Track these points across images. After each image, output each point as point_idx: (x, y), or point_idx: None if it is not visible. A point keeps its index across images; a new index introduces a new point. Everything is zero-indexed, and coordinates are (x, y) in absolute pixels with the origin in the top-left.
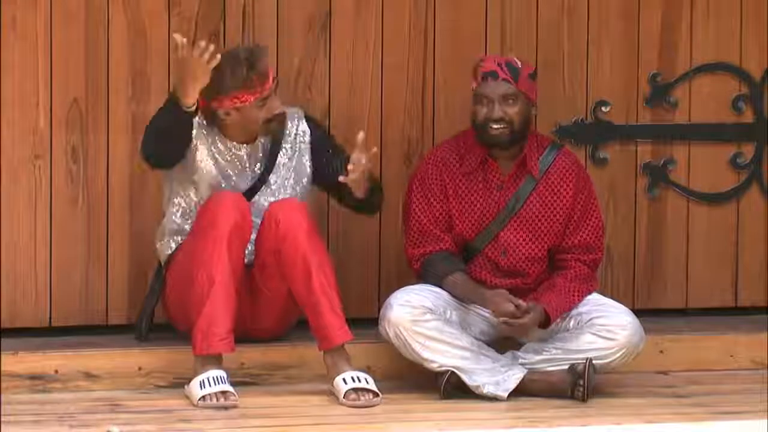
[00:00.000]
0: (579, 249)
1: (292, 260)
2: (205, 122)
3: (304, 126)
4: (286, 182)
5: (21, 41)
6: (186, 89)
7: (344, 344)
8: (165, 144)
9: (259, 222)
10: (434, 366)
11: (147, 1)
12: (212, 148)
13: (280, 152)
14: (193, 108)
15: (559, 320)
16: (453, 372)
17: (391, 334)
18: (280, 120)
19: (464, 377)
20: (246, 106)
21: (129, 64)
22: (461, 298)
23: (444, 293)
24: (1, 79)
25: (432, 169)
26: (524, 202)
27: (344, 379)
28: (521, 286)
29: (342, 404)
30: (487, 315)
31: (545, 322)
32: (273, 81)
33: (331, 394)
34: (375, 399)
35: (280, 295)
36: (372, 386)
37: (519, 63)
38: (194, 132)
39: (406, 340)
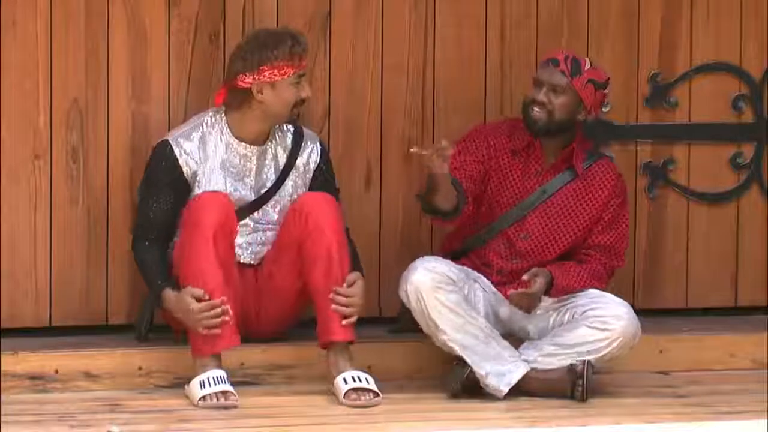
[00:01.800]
0: (601, 249)
1: (316, 254)
2: (223, 115)
3: (317, 156)
4: (293, 198)
5: (21, 41)
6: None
7: (347, 344)
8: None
9: (264, 227)
10: (444, 338)
11: (147, 1)
12: (223, 156)
13: (293, 169)
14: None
15: (553, 312)
16: (470, 371)
17: (411, 297)
18: (303, 107)
19: (470, 361)
20: (283, 81)
21: (129, 64)
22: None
23: (468, 270)
24: (1, 79)
25: (480, 134)
26: (557, 191)
27: (344, 379)
28: (528, 268)
29: (342, 404)
30: (492, 301)
31: (549, 287)
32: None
33: (332, 393)
34: (375, 399)
35: (288, 294)
36: (372, 386)
37: (588, 65)
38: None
39: (425, 303)
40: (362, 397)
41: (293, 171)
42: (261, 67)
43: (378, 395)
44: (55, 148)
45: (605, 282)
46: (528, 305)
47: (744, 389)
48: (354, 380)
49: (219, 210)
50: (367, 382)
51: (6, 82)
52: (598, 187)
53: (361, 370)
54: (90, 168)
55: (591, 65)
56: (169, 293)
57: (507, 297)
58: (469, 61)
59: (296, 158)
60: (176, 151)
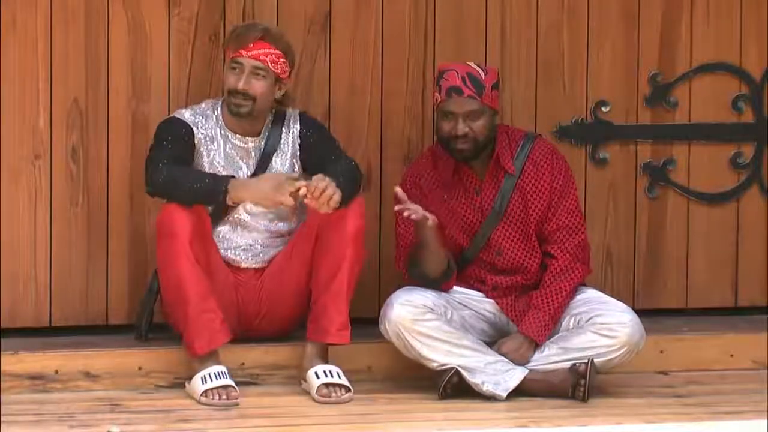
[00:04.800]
0: (560, 232)
1: (330, 248)
2: (220, 108)
3: (298, 127)
4: None
5: (21, 41)
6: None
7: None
8: (184, 201)
9: (259, 224)
10: (434, 365)
11: (147, 1)
12: (225, 144)
13: (275, 155)
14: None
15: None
16: (454, 372)
17: (392, 334)
18: (244, 103)
19: (465, 374)
20: (227, 64)
21: (129, 64)
22: (419, 243)
23: (444, 293)
24: (1, 79)
25: (410, 186)
26: (509, 201)
27: (316, 373)
28: (523, 282)
29: (314, 399)
30: (487, 314)
31: (535, 344)
32: (264, 62)
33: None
34: (346, 395)
35: (298, 291)
36: (343, 381)
37: (482, 74)
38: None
39: (406, 339)
40: (333, 394)
41: (276, 156)
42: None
43: (349, 390)
44: (55, 148)
45: (579, 268)
46: (518, 361)
47: (744, 389)
48: (326, 375)
49: (189, 215)
50: (339, 377)
51: (6, 82)
52: (539, 178)
53: (333, 364)
54: (90, 168)
55: (482, 70)
56: (238, 179)
57: (503, 307)
58: (469, 60)
59: (277, 145)
60: (187, 120)
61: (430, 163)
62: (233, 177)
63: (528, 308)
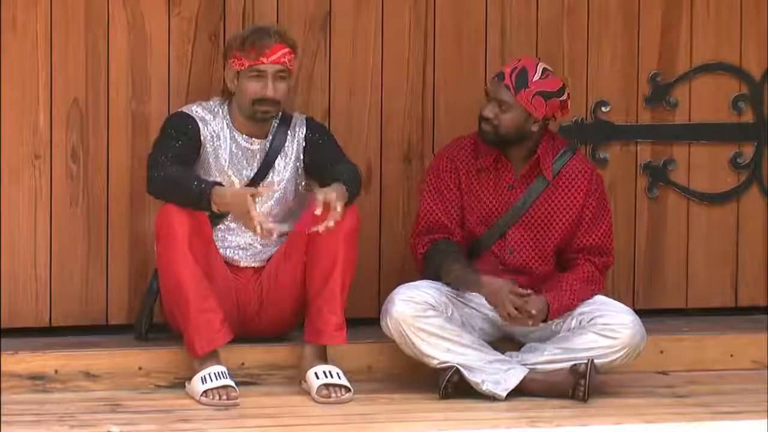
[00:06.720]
0: (589, 251)
1: (325, 247)
2: (226, 105)
3: (303, 131)
4: (280, 186)
5: (21, 41)
6: (222, 209)
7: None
8: (180, 205)
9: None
10: (434, 363)
11: (147, 2)
12: (231, 143)
13: (278, 158)
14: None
15: (560, 320)
16: (455, 371)
17: (393, 330)
18: (272, 109)
19: (465, 373)
20: (242, 72)
21: (129, 64)
22: (457, 285)
23: (446, 290)
24: (1, 79)
25: (446, 162)
26: (533, 202)
27: (316, 374)
28: (525, 283)
29: (314, 399)
30: (488, 313)
31: (545, 317)
32: (284, 63)
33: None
34: (346, 395)
35: (294, 290)
36: (343, 381)
37: (536, 75)
38: (214, 133)
39: (407, 335)
40: (333, 394)
41: (279, 159)
42: (227, 54)
43: (349, 390)
44: (55, 148)
45: (601, 283)
46: (522, 324)
47: (744, 389)
48: (326, 375)
49: (187, 215)
50: (339, 377)
51: (6, 82)
52: (572, 190)
53: (333, 365)
54: (90, 168)
55: (542, 74)
56: (221, 188)
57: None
58: (469, 61)
59: (281, 148)
60: (194, 115)
61: (471, 146)
62: (219, 184)
63: (549, 287)
